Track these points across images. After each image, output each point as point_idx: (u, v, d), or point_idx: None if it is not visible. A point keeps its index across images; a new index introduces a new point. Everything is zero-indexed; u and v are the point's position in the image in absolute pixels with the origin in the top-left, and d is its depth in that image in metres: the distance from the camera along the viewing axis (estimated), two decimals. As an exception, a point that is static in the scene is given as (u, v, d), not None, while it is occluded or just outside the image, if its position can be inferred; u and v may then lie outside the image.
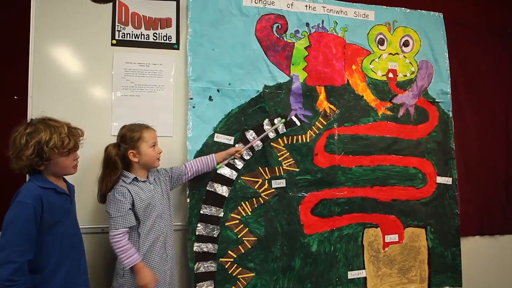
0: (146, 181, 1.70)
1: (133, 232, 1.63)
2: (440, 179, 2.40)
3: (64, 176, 1.56)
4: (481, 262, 2.62)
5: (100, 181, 1.66)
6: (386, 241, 2.30)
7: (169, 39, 2.07)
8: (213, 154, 1.94)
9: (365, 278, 2.25)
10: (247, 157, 2.07)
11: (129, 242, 1.58)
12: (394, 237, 2.31)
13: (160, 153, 1.74)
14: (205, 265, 1.95)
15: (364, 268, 2.25)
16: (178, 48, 2.08)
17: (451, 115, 2.44)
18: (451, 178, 2.41)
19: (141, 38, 2.03)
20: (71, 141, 1.44)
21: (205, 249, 1.95)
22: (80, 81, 1.96)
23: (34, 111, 1.81)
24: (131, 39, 2.02)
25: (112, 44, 2.00)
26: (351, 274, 2.22)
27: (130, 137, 1.65)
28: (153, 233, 1.66)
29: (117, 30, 2.00)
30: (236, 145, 2.04)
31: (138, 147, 1.65)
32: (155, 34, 2.05)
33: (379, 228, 2.28)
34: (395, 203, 2.31)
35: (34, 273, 1.36)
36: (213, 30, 2.08)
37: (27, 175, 1.55)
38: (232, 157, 1.98)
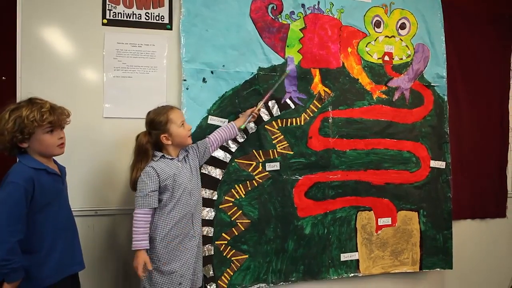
0: (173, 158, 1.70)
1: (160, 207, 1.64)
2: (433, 163, 2.40)
3: (54, 158, 1.54)
4: (471, 245, 2.66)
5: (131, 168, 1.68)
6: (379, 224, 2.31)
7: (162, 19, 2.03)
8: (232, 122, 1.95)
9: (357, 260, 2.27)
10: (241, 140, 2.05)
11: (145, 225, 1.60)
12: (387, 220, 2.33)
13: (190, 130, 1.74)
14: (205, 249, 1.96)
15: (356, 251, 2.27)
16: (171, 29, 2.04)
17: (446, 99, 2.43)
18: (444, 162, 2.42)
19: (132, 18, 1.99)
20: (52, 116, 1.42)
21: (203, 233, 1.96)
22: (71, 61, 1.92)
23: (23, 92, 1.77)
24: (122, 18, 1.97)
25: (103, 24, 1.95)
26: (344, 257, 2.24)
27: (158, 121, 1.66)
28: (180, 208, 1.66)
29: (108, 9, 1.95)
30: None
31: (169, 130, 1.66)
32: (147, 14, 2.01)
33: (372, 211, 2.30)
34: (388, 186, 2.32)
35: (29, 253, 1.37)
36: (206, 10, 2.03)
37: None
38: (250, 117, 1.97)
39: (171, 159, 1.69)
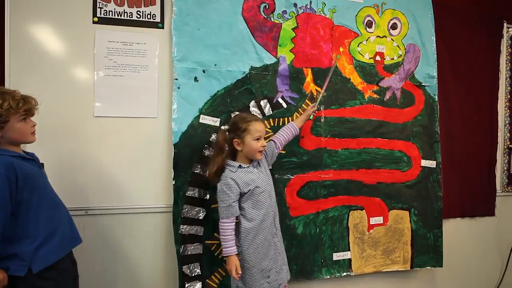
0: (249, 166, 1.77)
1: (245, 212, 1.73)
2: (424, 163, 2.42)
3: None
4: (461, 243, 2.69)
5: (210, 161, 1.78)
6: (371, 223, 2.33)
7: (153, 18, 2.01)
8: (292, 122, 2.02)
9: (350, 259, 2.28)
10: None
11: (232, 232, 1.71)
12: (378, 219, 2.34)
13: (264, 147, 1.78)
14: (191, 248, 1.95)
15: (349, 250, 2.28)
16: (162, 27, 2.03)
17: (436, 99, 2.46)
18: (435, 162, 2.44)
19: (124, 16, 1.97)
20: (26, 104, 1.44)
21: (191, 232, 1.95)
22: (61, 60, 1.89)
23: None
24: (113, 16, 1.96)
25: (94, 22, 1.93)
26: (336, 256, 2.25)
27: (238, 126, 1.73)
28: (263, 210, 1.75)
29: (99, 7, 1.94)
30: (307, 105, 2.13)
31: (243, 138, 1.72)
32: (138, 12, 1.99)
33: (364, 210, 2.31)
34: (380, 185, 2.33)
35: (28, 238, 1.40)
36: (198, 9, 2.02)
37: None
38: (308, 116, 2.08)
39: (247, 167, 1.77)
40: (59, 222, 1.51)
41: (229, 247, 1.70)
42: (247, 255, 1.72)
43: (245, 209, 1.73)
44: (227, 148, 1.77)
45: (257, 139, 1.73)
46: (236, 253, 1.71)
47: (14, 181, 1.35)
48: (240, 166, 1.75)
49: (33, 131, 1.50)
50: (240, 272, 1.69)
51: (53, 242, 1.46)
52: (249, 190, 1.71)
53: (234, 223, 1.72)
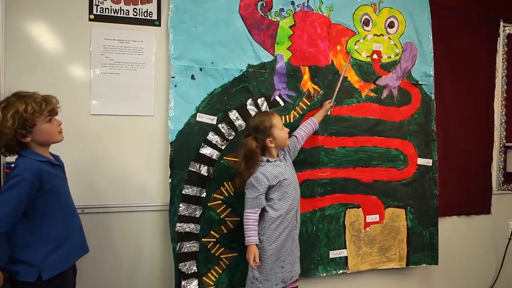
0: (276, 160, 1.87)
1: (272, 203, 1.82)
2: (420, 161, 2.43)
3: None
4: (457, 241, 2.71)
5: (242, 173, 1.82)
6: (367, 221, 2.34)
7: (150, 15, 2.01)
8: (312, 117, 2.10)
9: (346, 257, 2.29)
10: (230, 137, 2.05)
11: (255, 222, 1.80)
12: (375, 217, 2.35)
13: (288, 132, 1.90)
14: (187, 245, 1.95)
15: (345, 248, 2.29)
16: (159, 25, 2.02)
17: (433, 97, 2.46)
18: (431, 160, 2.45)
19: (120, 14, 1.96)
20: (48, 104, 1.43)
21: (187, 229, 1.95)
22: (57, 58, 1.88)
23: (7, 89, 1.74)
24: (110, 14, 1.94)
25: (90, 19, 1.92)
26: (333, 254, 2.26)
27: (263, 127, 1.81)
28: (290, 201, 1.84)
29: (95, 5, 1.92)
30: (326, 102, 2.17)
31: (273, 134, 1.81)
32: (135, 10, 1.98)
33: (360, 208, 2.32)
34: (376, 184, 2.34)
35: (42, 243, 1.39)
36: (195, 7, 2.02)
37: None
38: (327, 111, 2.17)
39: (274, 161, 1.86)
40: (72, 230, 1.51)
41: (251, 237, 1.78)
42: (267, 244, 1.80)
43: (273, 200, 1.82)
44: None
45: (282, 128, 1.85)
46: (257, 243, 1.79)
47: (36, 187, 1.35)
48: (268, 161, 1.84)
49: (60, 129, 1.50)
50: (258, 262, 1.77)
51: (64, 249, 1.45)
52: (278, 182, 1.81)
53: (258, 215, 1.81)
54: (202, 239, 1.98)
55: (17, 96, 1.39)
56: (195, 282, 1.96)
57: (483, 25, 2.73)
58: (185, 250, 1.95)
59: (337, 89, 2.17)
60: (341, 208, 2.28)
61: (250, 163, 1.80)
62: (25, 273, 1.36)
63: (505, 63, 2.82)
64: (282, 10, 2.17)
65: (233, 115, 2.06)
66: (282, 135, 1.84)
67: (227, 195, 2.04)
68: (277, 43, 2.15)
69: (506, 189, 2.84)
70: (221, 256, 2.03)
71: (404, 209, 2.40)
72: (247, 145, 1.80)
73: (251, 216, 1.80)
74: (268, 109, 2.11)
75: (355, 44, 2.30)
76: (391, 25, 2.40)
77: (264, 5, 2.13)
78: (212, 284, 2.01)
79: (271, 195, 1.82)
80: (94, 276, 1.94)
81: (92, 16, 1.92)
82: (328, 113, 2.20)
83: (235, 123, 2.05)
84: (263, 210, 1.83)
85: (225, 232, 2.03)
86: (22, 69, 1.83)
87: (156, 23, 2.01)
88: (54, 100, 1.47)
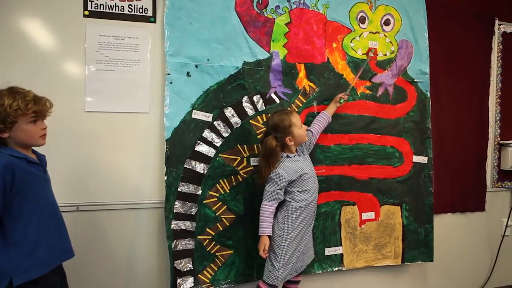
0: (295, 155, 1.92)
1: (293, 195, 1.87)
2: (416, 158, 2.44)
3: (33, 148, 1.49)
4: (452, 238, 2.72)
5: (263, 171, 1.86)
6: (362, 218, 2.34)
7: (145, 12, 1.99)
8: (324, 111, 2.15)
9: (341, 254, 2.30)
10: (225, 134, 2.04)
11: (270, 215, 1.86)
12: (370, 215, 2.36)
13: (306, 129, 1.96)
14: (183, 243, 1.95)
15: (341, 245, 2.30)
16: (154, 21, 2.01)
17: (428, 95, 2.47)
18: (426, 157, 2.46)
19: (115, 10, 1.95)
20: (37, 105, 1.39)
21: (182, 227, 1.94)
22: (51, 54, 1.87)
23: (1, 86, 1.72)
24: (104, 10, 1.93)
25: (85, 15, 1.90)
26: (328, 251, 2.27)
27: (283, 126, 1.84)
28: (310, 194, 1.89)
29: (90, 0, 1.91)
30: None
31: (292, 132, 1.85)
32: (130, 6, 1.97)
33: (356, 205, 2.33)
34: (372, 181, 2.34)
35: (14, 245, 1.33)
36: (191, 3, 2.01)
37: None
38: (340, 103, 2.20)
39: (293, 156, 1.90)
40: (50, 234, 1.43)
41: (265, 228, 1.84)
42: (287, 232, 1.85)
43: (295, 192, 1.86)
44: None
45: (301, 126, 1.89)
46: (270, 234, 1.85)
47: (10, 182, 1.30)
48: (288, 156, 1.88)
49: (43, 134, 1.44)
50: (266, 253, 1.84)
51: (40, 255, 1.38)
52: (299, 176, 1.85)
53: (274, 208, 1.86)
54: (198, 237, 1.98)
55: (9, 91, 1.37)
56: (191, 279, 1.96)
57: (478, 23, 2.74)
58: (181, 247, 1.94)
59: (356, 78, 2.23)
60: (336, 205, 2.28)
61: (270, 161, 1.84)
62: None
63: (500, 61, 2.83)
64: (278, 7, 2.16)
65: (229, 112, 2.05)
66: (301, 132, 1.88)
67: (222, 192, 2.04)
68: (273, 40, 2.14)
69: (500, 186, 2.86)
70: (217, 254, 2.02)
71: (399, 207, 2.41)
72: (267, 144, 1.83)
73: (267, 208, 1.85)
74: (264, 107, 2.11)
75: (351, 42, 2.30)
76: (387, 22, 2.40)
77: (260, 2, 2.13)
78: (208, 281, 2.01)
79: (292, 188, 1.86)
80: (89, 274, 1.93)
81: (86, 12, 1.91)
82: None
83: (231, 120, 2.05)
84: (285, 201, 1.87)
85: (221, 229, 2.03)
86: (16, 65, 1.81)
87: (152, 19, 2.00)
88: (46, 103, 1.43)
